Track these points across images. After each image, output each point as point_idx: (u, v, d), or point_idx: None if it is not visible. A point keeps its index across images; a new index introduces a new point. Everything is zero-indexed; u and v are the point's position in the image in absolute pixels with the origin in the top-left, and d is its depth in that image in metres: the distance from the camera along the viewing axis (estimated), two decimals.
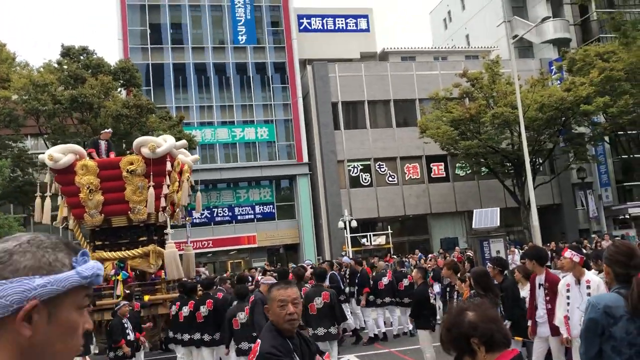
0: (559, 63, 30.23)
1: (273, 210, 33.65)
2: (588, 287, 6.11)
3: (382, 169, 33.56)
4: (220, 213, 32.78)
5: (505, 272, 7.74)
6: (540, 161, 30.35)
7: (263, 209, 33.56)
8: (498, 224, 9.10)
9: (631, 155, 31.51)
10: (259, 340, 2.99)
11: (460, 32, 45.06)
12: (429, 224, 34.25)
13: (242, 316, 7.85)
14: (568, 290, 6.28)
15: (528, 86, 27.46)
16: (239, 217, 33.04)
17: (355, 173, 33.20)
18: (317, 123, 33.11)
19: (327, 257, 29.55)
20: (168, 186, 11.68)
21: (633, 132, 30.83)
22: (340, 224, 27.17)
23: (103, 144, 13.13)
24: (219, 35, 34.01)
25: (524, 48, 39.78)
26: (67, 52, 23.33)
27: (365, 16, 37.41)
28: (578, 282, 6.19)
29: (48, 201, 12.10)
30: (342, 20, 37.00)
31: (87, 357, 8.79)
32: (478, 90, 28.50)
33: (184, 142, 13.18)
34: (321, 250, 32.23)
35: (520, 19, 39.17)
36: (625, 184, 35.04)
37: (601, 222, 33.39)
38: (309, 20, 36.43)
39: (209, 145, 32.31)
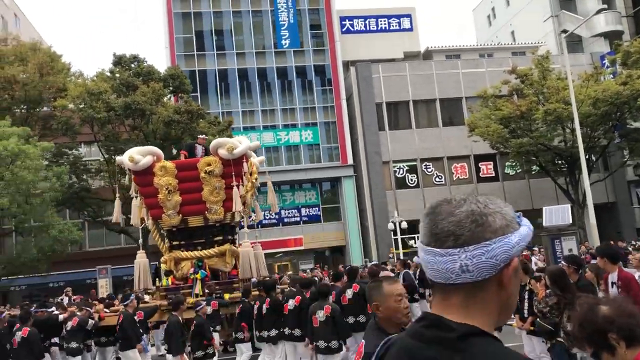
0: (612, 57, 29.17)
1: (319, 213, 33.66)
2: None
3: (429, 170, 33.13)
4: (266, 216, 32.97)
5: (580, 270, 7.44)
6: (594, 158, 29.37)
7: (309, 211, 33.61)
8: (570, 222, 8.79)
9: None
10: (362, 341, 2.90)
11: (505, 29, 44.15)
12: None
13: (321, 314, 7.80)
14: None
15: (580, 81, 26.61)
16: (285, 220, 33.17)
17: (401, 174, 32.88)
18: (362, 124, 32.95)
19: (374, 259, 29.34)
20: (244, 186, 11.88)
21: None
22: (390, 226, 26.92)
23: (200, 149, 13.47)
24: (260, 40, 34.29)
25: (572, 42, 38.60)
26: (119, 61, 23.95)
27: (408, 15, 37.07)
28: None
29: (135, 202, 12.32)
30: (384, 20, 36.76)
31: (184, 355, 8.89)
32: (528, 86, 27.79)
33: (257, 143, 13.58)
34: (368, 252, 32.03)
35: (568, 13, 38.12)
36: None
37: None
38: (351, 22, 36.35)
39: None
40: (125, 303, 10.44)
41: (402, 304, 2.94)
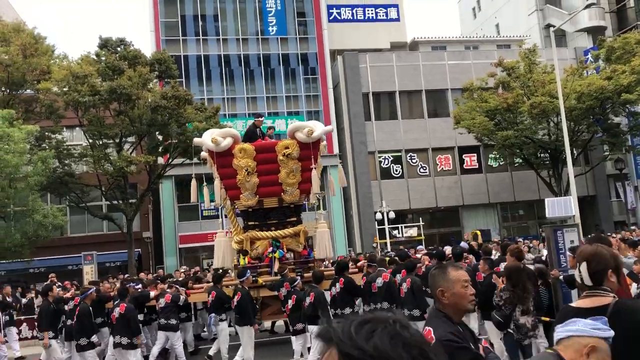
0: (596, 52, 29.56)
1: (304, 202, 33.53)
2: None
3: (414, 160, 33.27)
4: None
5: None
6: (576, 152, 29.81)
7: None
8: (574, 213, 8.90)
9: None
10: (428, 328, 2.87)
11: (490, 21, 44.43)
12: (460, 216, 33.91)
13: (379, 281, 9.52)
14: None
15: (565, 75, 26.92)
16: None
17: (386, 164, 32.95)
18: (348, 114, 32.91)
19: (358, 249, 29.45)
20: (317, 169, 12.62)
21: None
22: (378, 215, 26.99)
23: (258, 131, 13.87)
24: (245, 26, 33.86)
25: (556, 37, 38.92)
26: (105, 44, 23.44)
27: (396, 5, 36.99)
28: None
29: (217, 183, 12.58)
30: (371, 10, 36.64)
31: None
32: (514, 79, 28.03)
33: (331, 127, 13.95)
34: (352, 241, 32.11)
35: (553, 7, 38.52)
36: None
37: (636, 215, 32.75)
38: (338, 11, 36.14)
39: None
40: (242, 280, 10.50)
41: (468, 290, 2.93)
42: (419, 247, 20.07)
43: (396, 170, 32.93)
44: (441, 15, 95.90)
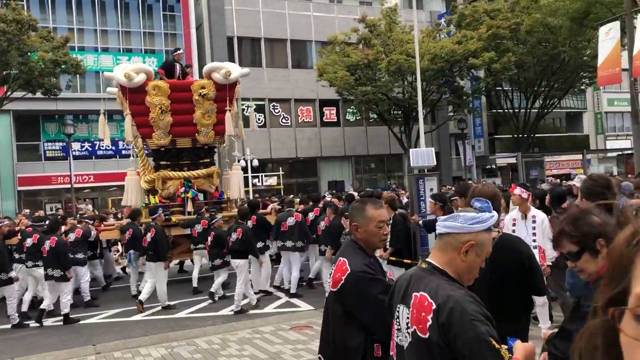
0: (449, 17, 31.54)
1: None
2: (534, 221, 6.70)
3: (277, 110, 33.35)
4: (102, 146, 30.73)
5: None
6: (425, 111, 31.91)
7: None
8: (435, 163, 9.59)
9: (500, 110, 34.20)
10: (342, 259, 2.93)
11: None
12: (318, 167, 34.96)
13: (291, 220, 10.61)
14: (514, 224, 6.84)
15: (421, 37, 28.40)
16: (122, 152, 31.20)
17: (249, 113, 32.55)
18: (211, 57, 31.74)
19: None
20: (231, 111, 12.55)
21: (507, 88, 33.38)
22: (243, 163, 26.77)
23: (178, 67, 13.38)
24: None
25: None
26: None
27: None
28: (524, 216, 6.76)
29: (128, 119, 12.12)
30: None
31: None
32: (375, 37, 28.99)
33: (247, 70, 13.71)
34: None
35: None
36: (495, 136, 38.26)
37: (472, 171, 36.30)
38: None
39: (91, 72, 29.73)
40: (154, 217, 10.63)
41: (382, 230, 2.96)
42: (273, 197, 20.50)
43: (259, 120, 32.74)
44: None
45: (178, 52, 13.84)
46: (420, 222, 8.63)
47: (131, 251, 11.32)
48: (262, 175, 30.91)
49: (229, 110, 12.39)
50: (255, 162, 27.21)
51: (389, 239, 8.50)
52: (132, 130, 12.20)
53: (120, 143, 31.07)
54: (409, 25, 27.96)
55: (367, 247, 2.96)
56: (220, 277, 10.48)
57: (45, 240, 9.71)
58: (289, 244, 10.63)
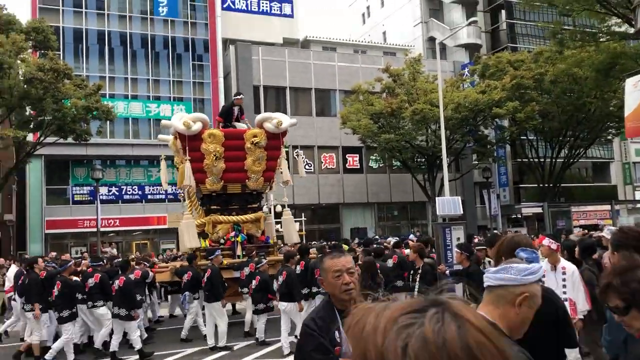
0: (473, 67, 31.88)
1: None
2: (564, 273, 6.54)
3: (301, 157, 33.60)
4: (129, 191, 31.26)
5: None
6: (450, 159, 31.88)
7: (175, 189, 32.38)
8: (461, 212, 9.51)
9: (525, 160, 34.00)
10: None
11: (377, 28, 46.16)
12: (340, 214, 34.89)
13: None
14: (544, 276, 6.68)
15: (445, 86, 28.70)
16: (149, 197, 31.67)
17: (298, 159, 32.92)
18: None
19: None
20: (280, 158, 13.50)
21: (532, 137, 33.25)
22: (265, 209, 26.88)
23: (236, 110, 13.99)
24: (130, 4, 32.16)
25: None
26: None
27: (290, 1, 37.16)
28: (554, 268, 6.61)
29: (188, 165, 12.55)
30: (266, 3, 36.49)
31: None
32: (399, 86, 29.37)
33: (295, 120, 14.53)
34: None
35: (436, 21, 40.90)
36: (520, 185, 37.89)
37: (497, 220, 35.83)
38: None
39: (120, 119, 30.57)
40: (211, 257, 11.17)
41: (340, 279, 2.77)
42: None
43: (308, 166, 33.03)
44: (332, 15, 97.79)
45: (238, 97, 14.43)
46: (447, 271, 8.50)
47: (186, 293, 11.45)
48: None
49: (284, 158, 13.34)
50: (279, 208, 27.27)
51: (416, 288, 8.37)
52: (191, 176, 12.64)
53: (147, 188, 31.64)
54: (433, 75, 28.31)
55: (334, 299, 2.82)
56: (260, 322, 10.56)
57: (114, 280, 10.08)
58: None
